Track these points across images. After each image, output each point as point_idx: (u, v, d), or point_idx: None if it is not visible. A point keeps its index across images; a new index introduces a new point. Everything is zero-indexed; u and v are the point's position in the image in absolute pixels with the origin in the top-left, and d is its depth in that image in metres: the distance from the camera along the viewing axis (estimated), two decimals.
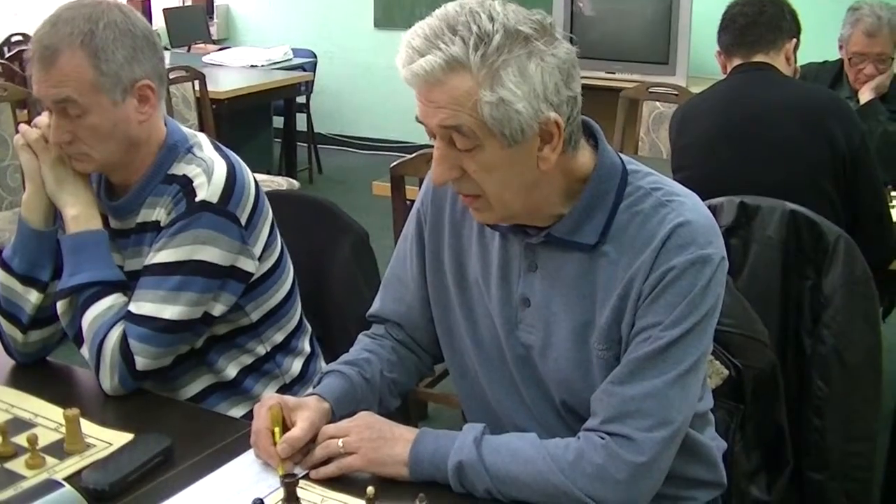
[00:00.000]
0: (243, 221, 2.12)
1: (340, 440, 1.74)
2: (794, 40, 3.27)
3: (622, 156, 1.76)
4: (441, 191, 1.89)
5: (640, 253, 1.66)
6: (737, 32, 3.25)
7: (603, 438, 1.63)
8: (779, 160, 3.05)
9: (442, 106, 1.58)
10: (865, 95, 4.04)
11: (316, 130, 8.33)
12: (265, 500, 1.59)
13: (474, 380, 1.92)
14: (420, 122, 1.65)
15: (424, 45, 1.57)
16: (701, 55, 7.04)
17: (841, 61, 4.22)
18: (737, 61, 3.26)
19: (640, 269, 1.65)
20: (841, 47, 4.16)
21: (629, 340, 1.68)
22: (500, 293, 1.82)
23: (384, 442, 1.72)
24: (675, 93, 5.03)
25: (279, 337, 2.29)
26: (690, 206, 1.69)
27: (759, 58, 3.20)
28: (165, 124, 2.19)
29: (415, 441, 1.72)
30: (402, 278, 2.01)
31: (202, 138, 2.23)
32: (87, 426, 1.89)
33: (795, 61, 3.31)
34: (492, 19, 1.56)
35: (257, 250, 2.17)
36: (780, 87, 3.18)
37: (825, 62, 4.41)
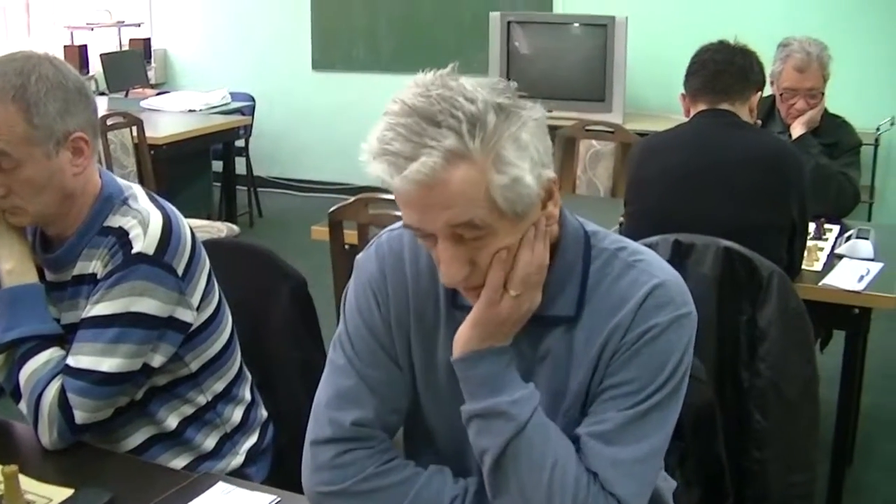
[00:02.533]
0: (180, 272, 2.11)
1: None
2: (759, 93, 3.34)
3: (578, 218, 1.74)
4: (398, 269, 1.78)
5: (613, 314, 1.64)
6: (706, 79, 3.27)
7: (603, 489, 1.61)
8: (735, 204, 3.10)
9: (448, 206, 1.49)
10: (797, 130, 4.10)
11: (255, 173, 8.31)
12: None
13: (440, 459, 1.83)
14: (412, 228, 1.57)
15: (409, 148, 1.46)
16: (636, 92, 7.17)
17: (773, 97, 4.29)
18: (702, 106, 3.28)
19: (618, 329, 1.63)
20: (772, 83, 4.22)
21: (600, 392, 1.65)
22: None
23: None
24: (611, 130, 5.08)
25: (219, 386, 2.28)
26: (657, 265, 1.69)
27: (724, 106, 3.24)
28: (100, 176, 2.18)
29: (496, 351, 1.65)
30: (382, 381, 1.79)
31: (137, 189, 2.23)
32: (26, 482, 1.87)
33: (757, 112, 3.37)
34: (472, 100, 1.48)
35: (195, 300, 2.16)
36: (743, 136, 3.22)
37: None
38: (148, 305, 2.07)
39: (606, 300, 1.65)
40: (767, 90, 4.27)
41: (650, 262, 1.69)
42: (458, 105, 1.47)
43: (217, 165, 7.69)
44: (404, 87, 1.53)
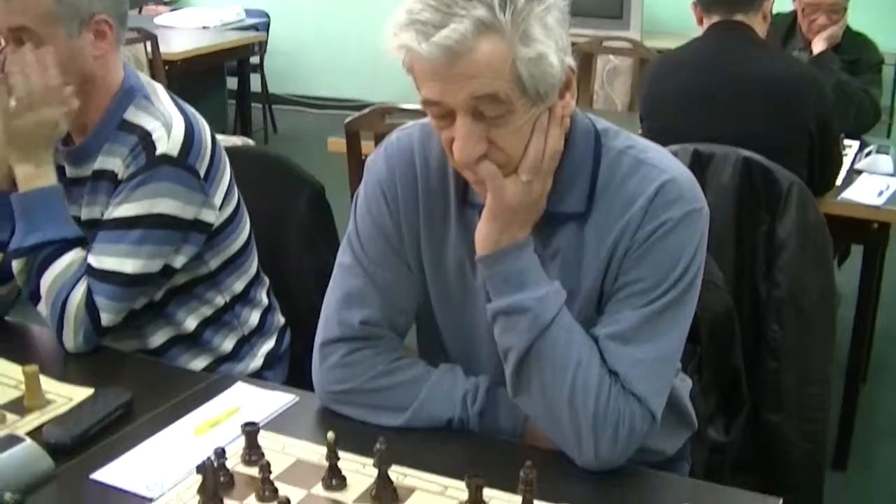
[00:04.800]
0: (202, 173, 2.11)
1: None
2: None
3: (589, 115, 1.73)
4: (407, 169, 1.77)
5: (624, 212, 1.63)
6: None
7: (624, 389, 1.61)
8: (751, 124, 3.07)
9: (473, 76, 1.47)
10: (818, 46, 4.06)
11: (270, 91, 8.27)
12: (226, 450, 1.59)
13: (451, 361, 1.84)
14: (431, 103, 1.54)
15: (439, 17, 1.45)
16: (654, 9, 7.08)
17: (794, 12, 4.24)
18: (715, 18, 3.22)
19: (629, 226, 1.62)
20: None
21: (614, 291, 1.65)
22: None
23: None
24: (630, 46, 5.05)
25: (238, 286, 2.29)
26: (667, 161, 1.68)
27: (738, 17, 3.18)
28: (123, 69, 2.17)
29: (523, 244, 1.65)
30: (390, 280, 1.80)
31: (159, 88, 2.22)
32: (46, 382, 1.89)
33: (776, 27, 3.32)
34: None
35: (217, 200, 2.16)
36: (760, 58, 3.18)
37: (778, 14, 4.42)
38: (172, 207, 2.07)
39: (617, 197, 1.65)
40: (789, 5, 4.24)
41: (660, 158, 1.68)
42: None
43: (231, 82, 7.65)
44: None
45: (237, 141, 4.60)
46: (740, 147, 2.52)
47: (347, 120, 3.38)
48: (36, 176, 2.09)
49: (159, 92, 2.20)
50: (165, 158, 2.07)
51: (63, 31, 2.03)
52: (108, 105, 2.14)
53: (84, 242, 2.10)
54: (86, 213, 2.16)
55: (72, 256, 2.08)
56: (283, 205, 2.50)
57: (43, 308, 2.09)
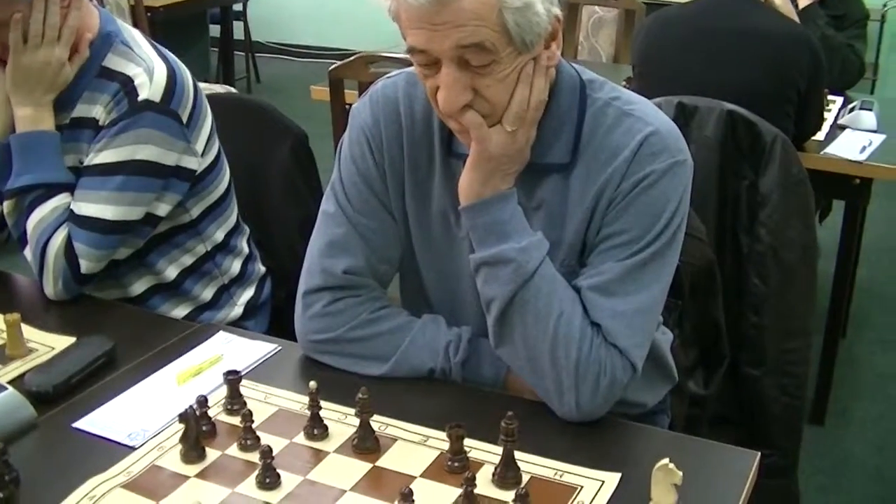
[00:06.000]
0: (185, 119, 2.10)
1: None
2: None
3: (574, 65, 1.73)
4: (392, 117, 1.77)
5: (609, 163, 1.63)
6: None
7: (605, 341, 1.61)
8: (744, 74, 3.09)
9: (460, 24, 1.47)
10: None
11: (253, 38, 8.22)
12: (208, 398, 1.59)
13: (433, 311, 1.84)
14: (417, 51, 1.53)
15: None
16: None
17: None
18: None
19: (613, 178, 1.62)
20: None
21: (597, 243, 1.66)
22: None
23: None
24: None
25: (219, 235, 2.28)
26: (652, 113, 1.67)
27: None
28: (99, 16, 2.16)
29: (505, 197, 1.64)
30: (374, 229, 1.79)
31: (136, 33, 2.20)
32: (28, 331, 1.89)
33: None
34: None
35: (199, 147, 2.15)
36: (755, 15, 3.20)
37: None
38: (154, 153, 2.06)
39: (601, 149, 1.65)
40: None
41: (645, 110, 1.67)
42: None
43: (214, 30, 7.61)
44: None
45: (220, 89, 4.58)
46: (732, 100, 2.52)
47: (331, 68, 3.36)
48: (34, 119, 2.08)
49: (137, 37, 2.18)
50: (148, 104, 2.05)
51: None
52: (85, 52, 2.11)
53: (73, 189, 2.09)
54: (65, 161, 2.14)
55: (57, 201, 2.07)
56: (265, 153, 2.49)
57: (27, 252, 2.09)
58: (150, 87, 2.06)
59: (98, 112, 2.09)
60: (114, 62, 2.11)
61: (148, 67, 2.08)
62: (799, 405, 2.45)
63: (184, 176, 2.13)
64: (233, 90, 3.76)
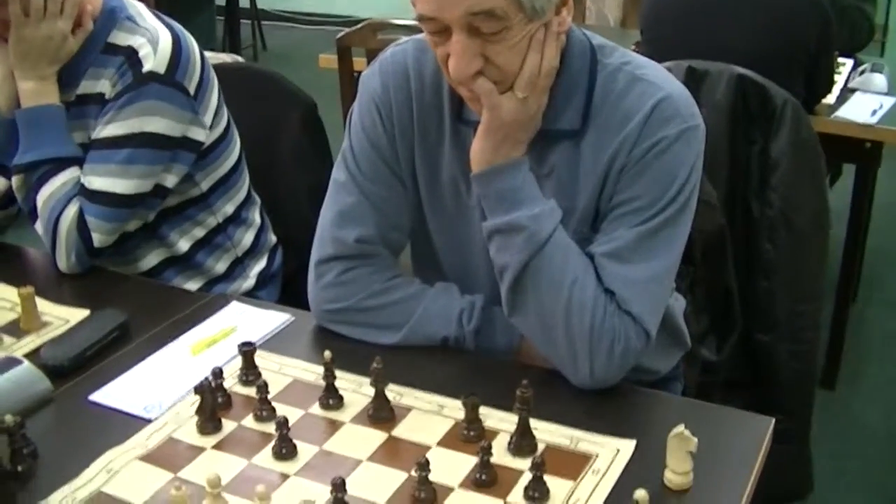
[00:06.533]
0: (192, 90, 2.09)
1: None
2: None
3: (585, 31, 1.72)
4: (402, 84, 1.77)
5: (620, 129, 1.62)
6: None
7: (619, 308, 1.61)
8: (754, 36, 3.08)
9: None
10: None
11: (259, 6, 8.18)
12: (223, 369, 1.60)
13: (445, 279, 1.84)
14: (427, 19, 1.52)
15: None
16: None
17: None
18: None
19: (625, 143, 1.61)
20: None
21: (610, 209, 1.65)
22: None
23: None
24: None
25: (230, 208, 2.28)
26: (664, 77, 1.66)
27: None
28: None
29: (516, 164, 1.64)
30: (385, 197, 1.79)
31: (141, 7, 2.19)
32: (42, 304, 1.89)
33: None
34: None
35: (207, 119, 2.15)
36: None
37: None
38: (160, 125, 2.05)
39: (612, 114, 1.64)
40: None
41: (656, 74, 1.66)
42: None
43: None
44: None
45: (226, 58, 4.56)
46: (741, 63, 2.50)
47: (339, 35, 3.36)
48: (38, 93, 2.07)
49: (142, 11, 2.17)
50: (153, 76, 2.05)
51: None
52: (90, 29, 2.10)
53: (81, 162, 2.09)
54: (74, 139, 2.14)
55: (66, 175, 2.07)
56: (274, 122, 2.48)
57: (39, 227, 2.09)
58: (154, 58, 2.05)
59: (104, 86, 2.08)
60: (119, 38, 2.10)
61: (152, 38, 2.07)
62: (810, 370, 2.44)
63: (191, 147, 2.13)
64: (239, 59, 3.76)
